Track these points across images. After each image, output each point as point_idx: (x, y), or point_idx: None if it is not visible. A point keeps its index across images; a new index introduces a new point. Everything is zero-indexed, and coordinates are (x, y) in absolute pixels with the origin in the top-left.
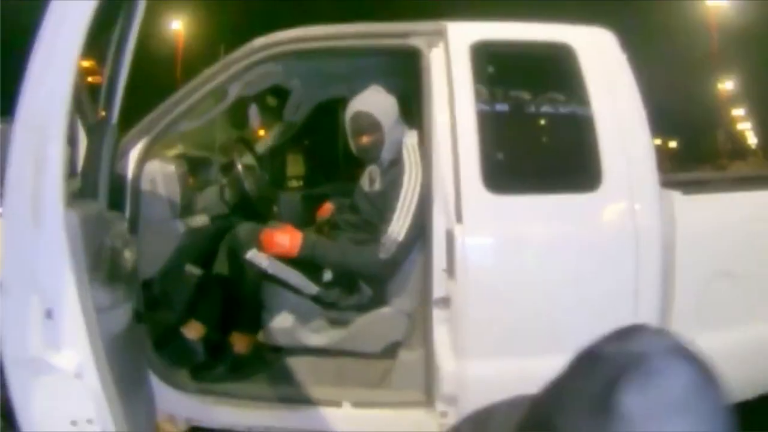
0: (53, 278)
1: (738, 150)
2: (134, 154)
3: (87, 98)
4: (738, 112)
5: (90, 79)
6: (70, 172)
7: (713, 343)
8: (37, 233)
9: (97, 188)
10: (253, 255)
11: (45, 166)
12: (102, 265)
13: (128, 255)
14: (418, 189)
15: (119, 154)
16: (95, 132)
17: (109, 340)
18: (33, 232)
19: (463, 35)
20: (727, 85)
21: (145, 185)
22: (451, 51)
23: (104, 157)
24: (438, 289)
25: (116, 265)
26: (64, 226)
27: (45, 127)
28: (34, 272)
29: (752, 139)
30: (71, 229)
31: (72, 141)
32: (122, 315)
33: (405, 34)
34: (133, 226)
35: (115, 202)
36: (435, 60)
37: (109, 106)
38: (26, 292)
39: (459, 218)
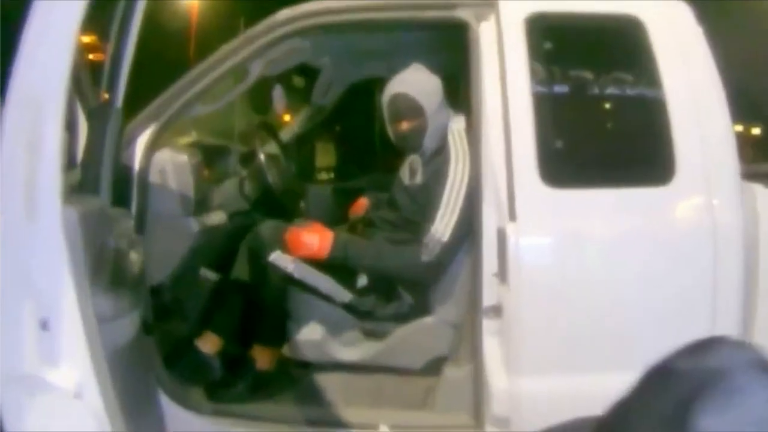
0: (49, 284)
1: None
2: (141, 142)
3: (87, 78)
4: None
5: (91, 56)
6: (69, 162)
7: None
8: (30, 233)
9: (99, 181)
10: (277, 257)
11: (39, 156)
12: (105, 269)
13: (134, 257)
14: (465, 182)
15: (124, 143)
16: (97, 117)
17: (112, 355)
18: (26, 231)
19: (517, 7)
20: None
21: (153, 178)
22: (504, 24)
23: (107, 146)
24: (488, 297)
25: (121, 269)
26: (61, 225)
27: (39, 112)
28: (28, 277)
29: None
30: (69, 228)
31: (70, 127)
32: (128, 326)
33: (451, 6)
34: (140, 224)
35: (120, 197)
36: (485, 34)
37: (112, 87)
38: (18, 299)
39: (512, 215)
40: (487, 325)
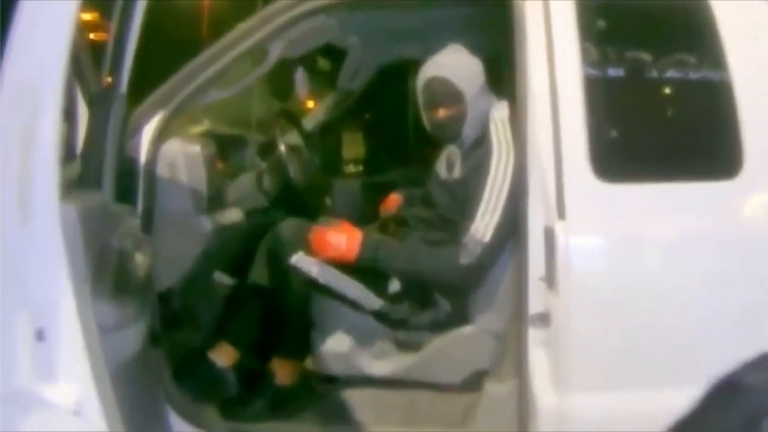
0: (45, 290)
1: None
2: (148, 132)
3: (88, 60)
4: None
5: (92, 35)
6: (67, 154)
7: None
8: (24, 232)
9: (101, 175)
10: (299, 259)
11: (34, 148)
12: (107, 273)
13: (140, 259)
14: (509, 176)
15: (129, 132)
16: (99, 103)
17: (115, 368)
18: (19, 231)
19: None
20: None
21: (162, 171)
22: (552, 1)
23: (110, 136)
24: (534, 304)
25: (125, 273)
26: (58, 224)
27: (34, 98)
28: (21, 283)
29: None
30: (68, 227)
31: (70, 115)
32: (133, 336)
33: None
34: (147, 222)
35: (124, 192)
36: (531, 11)
37: (116, 70)
38: (11, 307)
39: (561, 213)
40: (534, 336)
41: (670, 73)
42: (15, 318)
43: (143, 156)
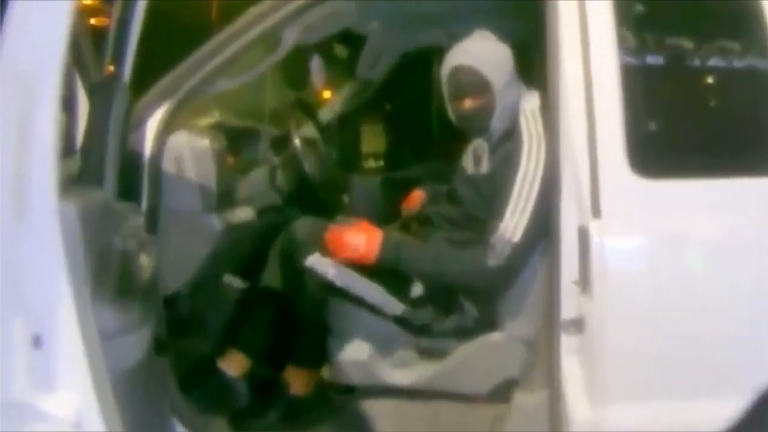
0: (42, 294)
1: None
2: (153, 124)
3: (89, 47)
4: None
5: (93, 20)
6: (66, 148)
7: None
8: (20, 231)
9: (103, 170)
10: (315, 261)
11: (30, 142)
12: (109, 276)
13: (145, 261)
14: (540, 172)
15: (133, 124)
16: (100, 94)
17: (118, 377)
18: (15, 230)
19: None
20: None
21: (168, 166)
22: None
23: (112, 128)
24: (567, 309)
25: (129, 275)
26: (56, 223)
27: (30, 88)
28: (17, 285)
29: None
30: (67, 227)
31: (69, 106)
32: (137, 343)
33: None
34: (152, 221)
35: (128, 189)
36: None
37: (118, 58)
38: (6, 312)
39: (596, 211)
40: (567, 343)
41: (713, 62)
42: (10, 324)
43: (148, 150)
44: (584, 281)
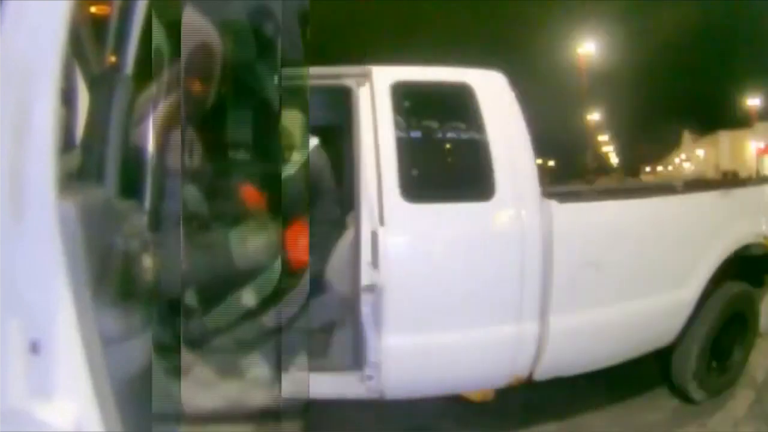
0: (40, 297)
1: (603, 168)
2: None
3: (89, 38)
4: (603, 137)
5: (94, 9)
6: (66, 144)
7: (584, 318)
8: (17, 231)
9: (104, 167)
10: None
11: (28, 138)
12: (111, 278)
13: (148, 262)
14: None
15: (135, 118)
16: (101, 86)
17: (119, 384)
18: (12, 229)
19: (385, 76)
20: (594, 116)
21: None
22: (375, 89)
23: (114, 123)
24: (365, 278)
25: (131, 277)
26: (55, 223)
27: (28, 82)
28: (14, 288)
29: (614, 160)
30: (66, 227)
31: (68, 99)
32: (139, 348)
33: (338, 76)
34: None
35: (130, 187)
36: (362, 96)
37: (120, 49)
38: (2, 316)
39: (381, 221)
40: (364, 299)
41: (449, 134)
42: (6, 328)
43: (151, 146)
44: (374, 262)
